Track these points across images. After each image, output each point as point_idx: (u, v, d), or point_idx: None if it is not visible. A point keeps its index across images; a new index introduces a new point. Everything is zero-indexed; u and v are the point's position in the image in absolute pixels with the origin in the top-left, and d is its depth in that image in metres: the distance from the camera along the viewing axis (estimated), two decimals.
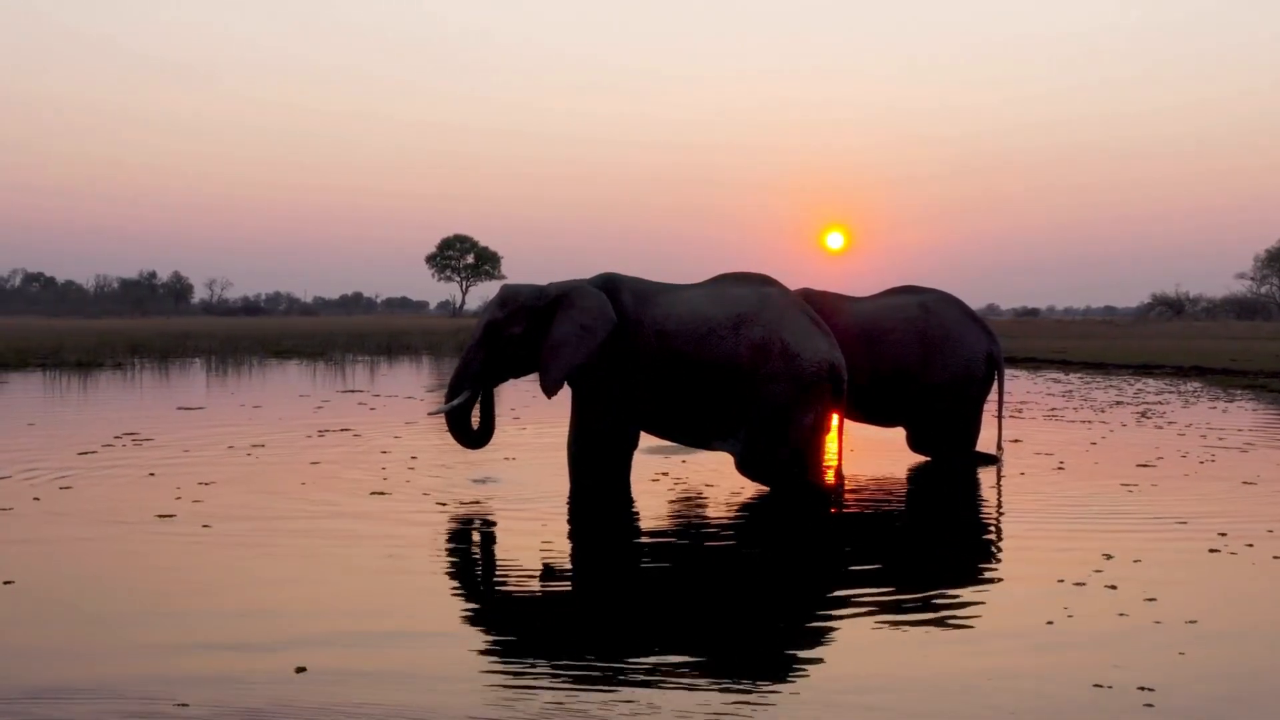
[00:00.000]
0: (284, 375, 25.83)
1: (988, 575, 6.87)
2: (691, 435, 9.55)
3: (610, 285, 9.51)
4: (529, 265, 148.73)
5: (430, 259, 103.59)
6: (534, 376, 9.62)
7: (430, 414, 9.94)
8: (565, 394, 9.58)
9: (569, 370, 9.18)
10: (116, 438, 12.59)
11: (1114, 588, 6.33)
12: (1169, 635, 5.37)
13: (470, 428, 9.69)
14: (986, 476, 10.56)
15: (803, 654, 5.19)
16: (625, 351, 9.19)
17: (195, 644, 5.19)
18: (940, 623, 5.67)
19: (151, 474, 10.04)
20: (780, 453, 9.18)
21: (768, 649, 5.24)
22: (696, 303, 9.33)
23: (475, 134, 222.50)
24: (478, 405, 9.70)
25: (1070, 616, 5.73)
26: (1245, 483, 10.01)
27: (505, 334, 9.41)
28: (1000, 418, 11.44)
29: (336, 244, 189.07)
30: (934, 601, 6.10)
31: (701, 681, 4.70)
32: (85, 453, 11.37)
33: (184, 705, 4.37)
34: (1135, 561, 6.95)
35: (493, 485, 9.69)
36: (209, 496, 8.97)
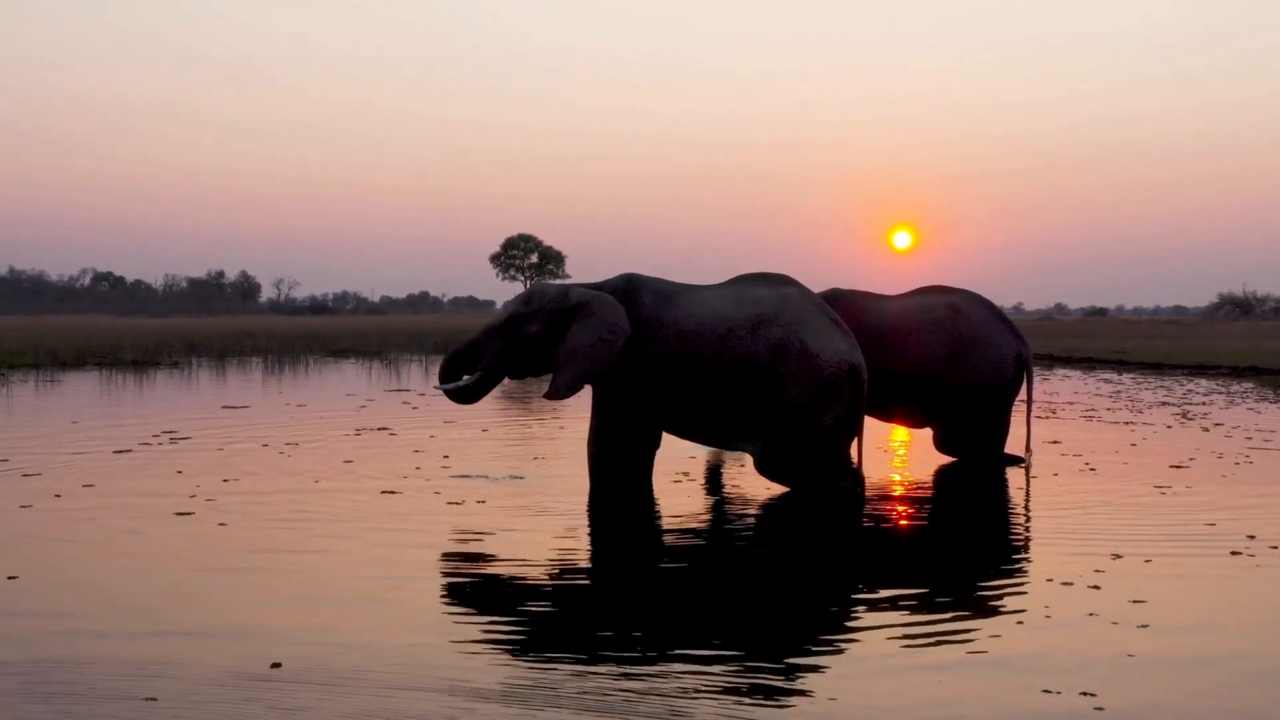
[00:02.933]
0: (338, 375, 26.07)
1: (987, 577, 6.79)
2: (712, 436, 9.55)
3: (631, 286, 9.51)
4: (593, 264, 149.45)
5: (494, 259, 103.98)
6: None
7: (435, 387, 9.95)
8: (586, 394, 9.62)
9: (582, 382, 9.24)
10: (155, 436, 12.78)
11: (1097, 588, 6.29)
12: (1124, 638, 5.31)
13: (469, 393, 9.65)
14: (1015, 478, 10.45)
15: (768, 655, 5.13)
16: (645, 352, 9.19)
17: (173, 639, 5.28)
18: (919, 623, 5.63)
19: (179, 472, 10.20)
20: (799, 453, 9.15)
21: (754, 649, 5.21)
22: (716, 303, 9.31)
23: (540, 134, 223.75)
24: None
25: (1048, 617, 5.71)
26: None
27: (523, 330, 9.45)
28: (1029, 419, 11.32)
29: (403, 244, 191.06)
30: (924, 602, 6.06)
31: (693, 678, 4.73)
32: (121, 451, 11.57)
33: (152, 699, 4.44)
34: (1146, 561, 6.90)
35: (514, 484, 9.72)
36: (225, 494, 9.08)
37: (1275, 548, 7.32)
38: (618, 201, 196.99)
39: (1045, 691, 4.54)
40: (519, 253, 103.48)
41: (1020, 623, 5.62)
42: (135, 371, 25.22)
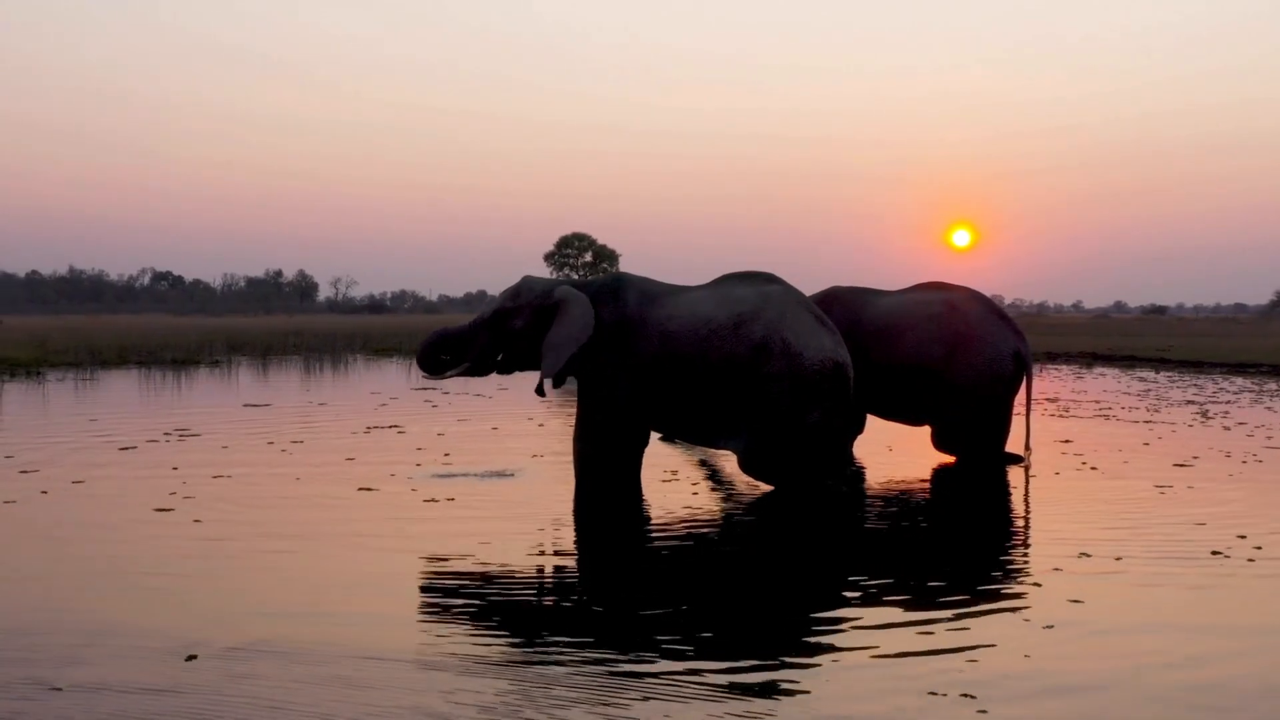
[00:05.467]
0: (376, 373, 26.19)
1: (939, 575, 6.65)
2: (698, 434, 9.53)
3: (618, 285, 9.53)
4: (647, 262, 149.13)
5: (548, 257, 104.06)
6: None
7: (424, 376, 9.96)
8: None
9: (554, 375, 9.31)
10: (165, 434, 12.95)
11: (1039, 585, 6.27)
12: (1027, 640, 5.26)
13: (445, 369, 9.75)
14: (1014, 477, 10.31)
15: (739, 650, 5.09)
16: (630, 351, 9.21)
17: (94, 634, 5.35)
18: (837, 625, 5.58)
19: (174, 468, 10.32)
20: (783, 452, 9.11)
21: (726, 643, 5.17)
22: (699, 303, 9.30)
23: (595, 131, 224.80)
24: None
25: (974, 615, 5.68)
26: None
27: (509, 325, 9.51)
28: (1028, 418, 11.18)
29: (461, 242, 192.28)
30: (863, 602, 5.99)
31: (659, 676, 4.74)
32: (126, 448, 11.74)
33: (57, 689, 4.53)
34: (1116, 560, 6.83)
35: (501, 482, 9.73)
36: (209, 491, 9.18)
37: (1260, 548, 7.17)
38: (673, 199, 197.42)
39: (930, 694, 4.49)
40: (573, 251, 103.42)
41: (940, 620, 5.57)
42: (174, 370, 25.52)
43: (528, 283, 9.77)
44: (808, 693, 4.55)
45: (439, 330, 9.93)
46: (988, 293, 11.55)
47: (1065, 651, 5.07)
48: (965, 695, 4.46)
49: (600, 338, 9.26)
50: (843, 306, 11.14)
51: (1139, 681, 4.70)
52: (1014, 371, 10.97)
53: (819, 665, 4.91)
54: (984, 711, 4.30)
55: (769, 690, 4.56)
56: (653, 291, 9.51)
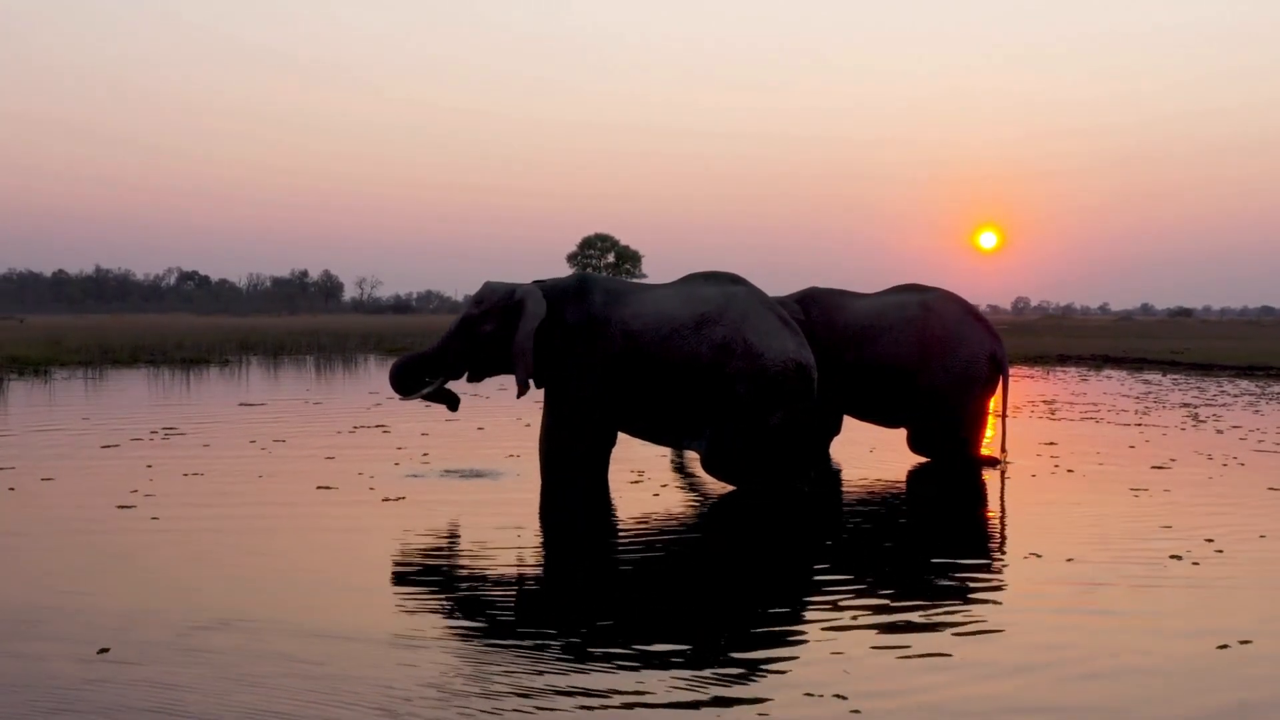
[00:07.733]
0: (383, 372, 26.19)
1: (880, 576, 6.57)
2: (663, 435, 9.53)
3: (583, 285, 9.54)
4: (671, 263, 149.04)
5: (571, 258, 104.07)
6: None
7: (402, 399, 9.92)
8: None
9: (527, 374, 9.28)
10: (152, 432, 13.03)
11: (979, 586, 6.30)
12: (914, 640, 5.24)
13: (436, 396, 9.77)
14: (989, 479, 10.21)
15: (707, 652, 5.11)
16: (594, 350, 9.22)
17: (36, 611, 5.55)
18: (760, 629, 5.54)
19: (149, 466, 10.38)
20: (745, 452, 9.11)
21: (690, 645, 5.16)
22: (663, 302, 9.31)
23: (620, 132, 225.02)
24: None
25: (881, 619, 5.64)
26: (1271, 489, 9.54)
27: (478, 331, 9.53)
28: (1004, 420, 11.13)
29: (486, 243, 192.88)
30: (791, 608, 5.97)
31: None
32: (108, 446, 11.82)
33: None
34: (1067, 561, 6.78)
35: (471, 481, 9.73)
36: (175, 489, 9.22)
37: (1220, 551, 7.10)
38: (697, 199, 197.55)
39: (807, 695, 4.46)
40: (596, 252, 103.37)
41: (858, 622, 5.56)
42: (184, 369, 25.68)
43: (490, 287, 9.76)
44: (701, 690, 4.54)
45: (407, 355, 9.95)
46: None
47: (947, 659, 5.00)
48: (838, 696, 4.44)
49: (566, 337, 9.28)
50: (819, 308, 11.13)
51: (1019, 682, 4.70)
52: (989, 374, 10.92)
53: (740, 669, 4.88)
54: (857, 712, 4.28)
55: (707, 686, 4.59)
56: (617, 290, 9.53)
